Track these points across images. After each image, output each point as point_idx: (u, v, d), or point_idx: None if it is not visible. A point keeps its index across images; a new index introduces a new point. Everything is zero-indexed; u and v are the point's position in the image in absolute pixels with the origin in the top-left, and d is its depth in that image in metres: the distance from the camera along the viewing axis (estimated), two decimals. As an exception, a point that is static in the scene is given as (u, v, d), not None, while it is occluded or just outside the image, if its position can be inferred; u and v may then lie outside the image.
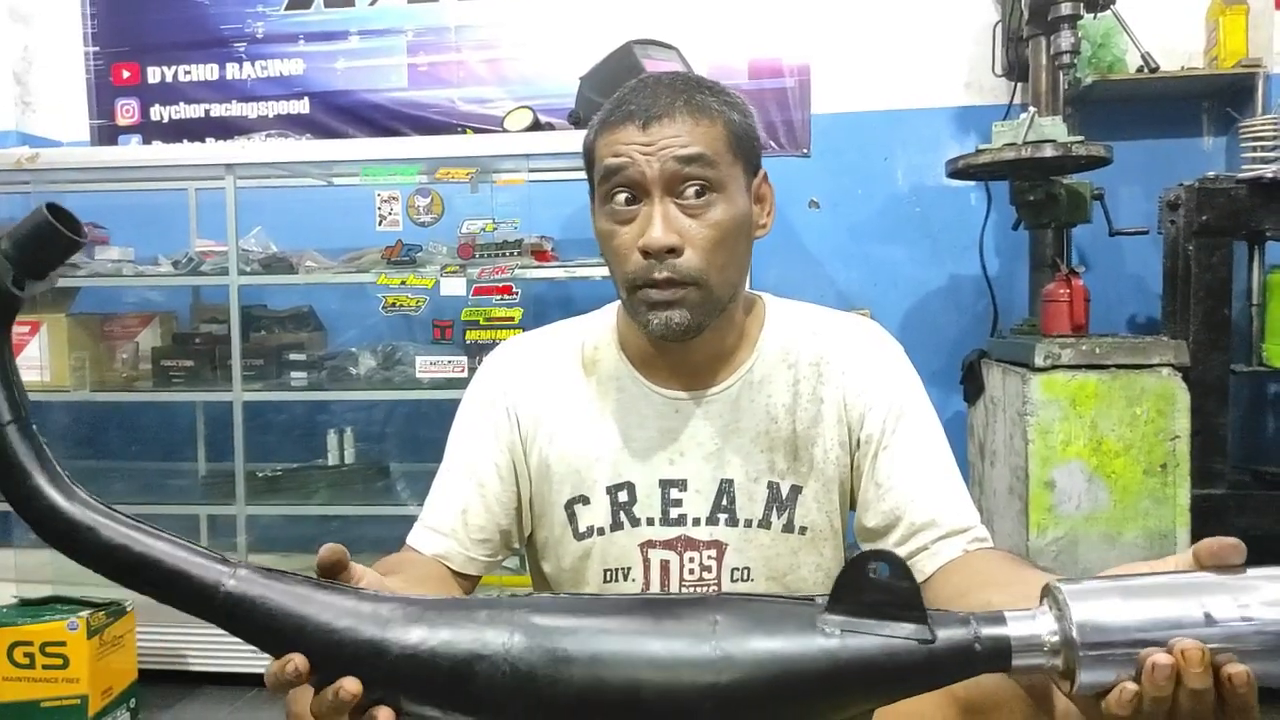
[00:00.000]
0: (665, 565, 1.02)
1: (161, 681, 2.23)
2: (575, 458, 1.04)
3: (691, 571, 1.02)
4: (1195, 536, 1.95)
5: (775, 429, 1.03)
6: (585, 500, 1.03)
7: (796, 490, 1.02)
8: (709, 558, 1.02)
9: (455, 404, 1.10)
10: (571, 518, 1.04)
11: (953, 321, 2.74)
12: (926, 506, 0.97)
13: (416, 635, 0.62)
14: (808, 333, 1.07)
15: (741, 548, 1.02)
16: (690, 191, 0.94)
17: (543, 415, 1.05)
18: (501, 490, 1.04)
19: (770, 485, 1.02)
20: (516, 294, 2.23)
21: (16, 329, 2.50)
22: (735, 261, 0.98)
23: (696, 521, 1.02)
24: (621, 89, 0.99)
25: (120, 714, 2.06)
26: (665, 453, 1.03)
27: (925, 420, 1.02)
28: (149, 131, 3.07)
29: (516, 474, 1.06)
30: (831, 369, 1.04)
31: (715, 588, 1.02)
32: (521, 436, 1.05)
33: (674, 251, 0.93)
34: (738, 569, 1.02)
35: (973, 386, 2.41)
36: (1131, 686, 0.59)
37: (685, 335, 0.96)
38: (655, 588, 1.02)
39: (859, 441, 1.03)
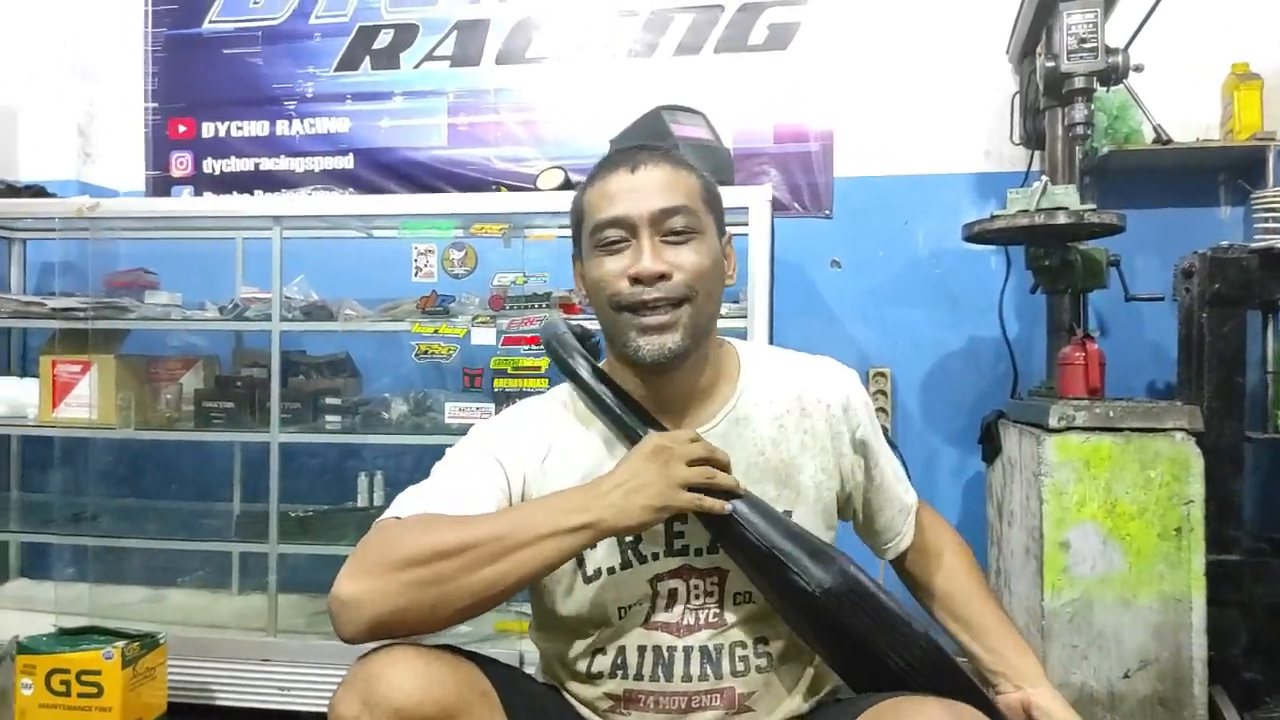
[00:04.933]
0: (673, 592, 1.09)
1: (189, 715, 2.27)
2: None
3: (696, 596, 1.09)
4: (1211, 602, 1.96)
5: (763, 460, 1.11)
6: (591, 545, 1.09)
7: (788, 514, 1.10)
8: (711, 584, 1.09)
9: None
10: (580, 562, 1.09)
11: (972, 383, 2.78)
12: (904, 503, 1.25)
13: None
14: (785, 372, 1.17)
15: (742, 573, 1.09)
16: (675, 231, 1.06)
17: (540, 472, 1.12)
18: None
19: None
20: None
21: (68, 368, 2.63)
22: (714, 294, 1.10)
23: (699, 551, 1.09)
24: (602, 159, 1.14)
25: (148, 746, 2.11)
26: None
27: (880, 435, 1.23)
28: (201, 183, 3.21)
29: None
30: (815, 403, 1.14)
31: (717, 610, 1.09)
32: (524, 490, 1.11)
33: (664, 278, 1.05)
34: (740, 593, 1.09)
35: (990, 447, 2.44)
36: None
37: (674, 360, 1.06)
38: (662, 613, 1.09)
39: (856, 445, 1.16)
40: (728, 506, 1.01)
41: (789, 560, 1.01)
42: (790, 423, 1.13)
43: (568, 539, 0.97)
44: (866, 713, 0.98)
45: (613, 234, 1.07)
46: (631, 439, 1.08)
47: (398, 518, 1.02)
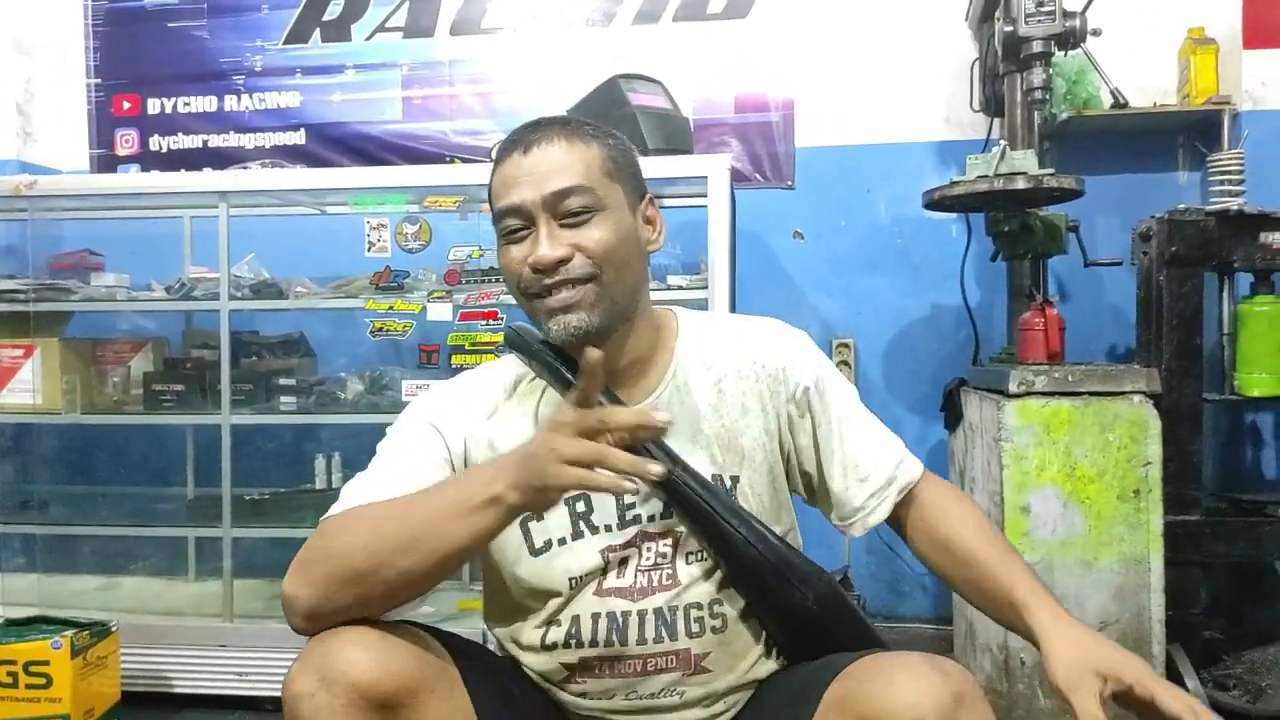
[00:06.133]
0: (625, 560, 1.08)
1: (144, 704, 2.22)
2: None
3: (648, 559, 1.08)
4: (1170, 562, 1.98)
5: (706, 425, 1.10)
6: (539, 516, 1.06)
7: (735, 480, 1.10)
8: (665, 545, 1.08)
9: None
10: (526, 535, 1.08)
11: (934, 350, 2.78)
12: (872, 466, 1.14)
13: None
14: (723, 336, 1.15)
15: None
16: (571, 213, 1.02)
17: (485, 429, 1.11)
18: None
19: (714, 478, 1.09)
20: (501, 319, 2.26)
21: (9, 352, 2.55)
22: (629, 267, 1.06)
23: (651, 519, 1.08)
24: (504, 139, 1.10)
25: (102, 735, 2.06)
26: None
27: (846, 388, 1.16)
28: (148, 161, 3.13)
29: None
30: (751, 365, 1.12)
31: (671, 570, 1.08)
32: (466, 451, 1.10)
33: (563, 262, 1.02)
34: (692, 553, 1.08)
35: (952, 414, 2.44)
36: None
37: (589, 338, 1.03)
38: (614, 578, 1.08)
39: (798, 405, 1.12)
40: (629, 485, 0.88)
41: (778, 578, 1.05)
42: (729, 387, 1.11)
43: (475, 518, 0.92)
44: (848, 669, 0.97)
45: (512, 223, 1.05)
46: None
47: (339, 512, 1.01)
